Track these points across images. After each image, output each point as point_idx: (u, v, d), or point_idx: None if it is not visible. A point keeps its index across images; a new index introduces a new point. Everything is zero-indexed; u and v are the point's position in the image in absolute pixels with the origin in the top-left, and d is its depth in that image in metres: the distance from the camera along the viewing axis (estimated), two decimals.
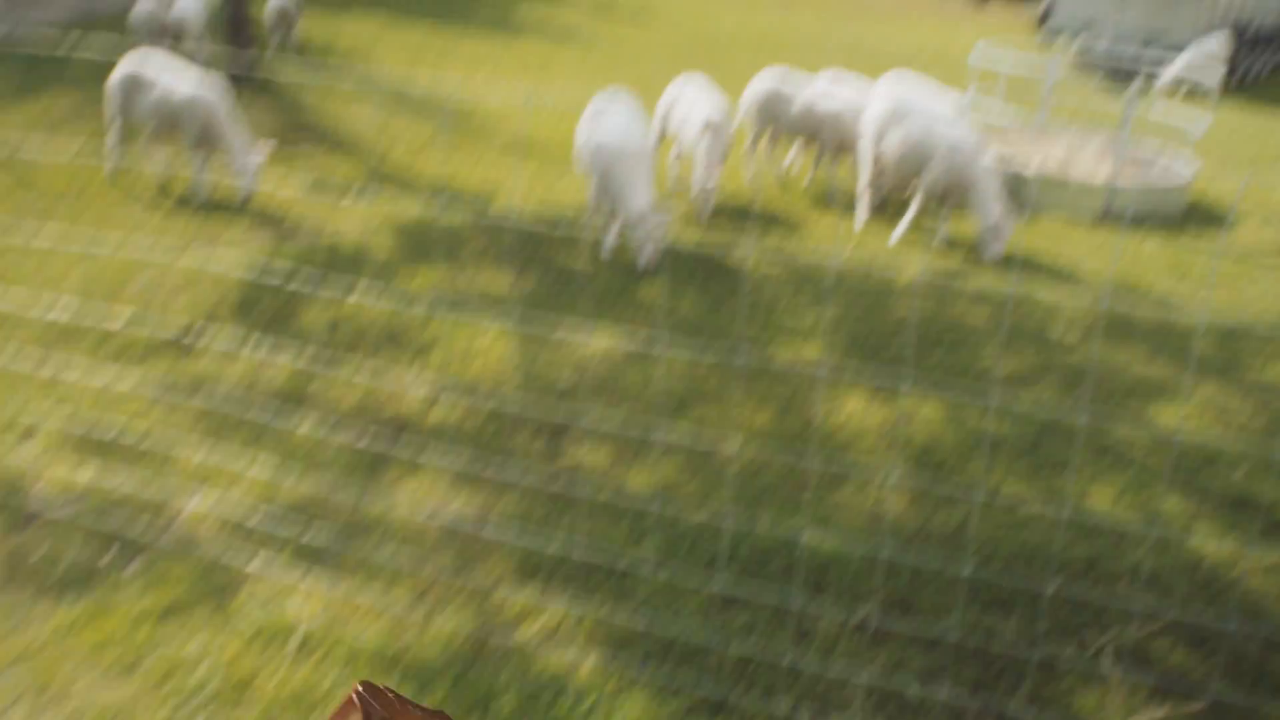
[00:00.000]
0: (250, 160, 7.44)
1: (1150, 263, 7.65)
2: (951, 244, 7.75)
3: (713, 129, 7.50)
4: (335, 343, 5.43)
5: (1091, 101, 12.98)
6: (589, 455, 4.36)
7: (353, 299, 5.89)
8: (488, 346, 5.40)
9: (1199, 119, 10.16)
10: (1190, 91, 16.27)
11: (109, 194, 7.74)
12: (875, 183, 8.12)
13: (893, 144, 7.64)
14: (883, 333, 5.93)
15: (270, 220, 7.37)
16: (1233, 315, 6.68)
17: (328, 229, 7.20)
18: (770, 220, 7.97)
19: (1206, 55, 16.84)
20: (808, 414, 4.88)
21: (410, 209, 7.64)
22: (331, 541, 3.76)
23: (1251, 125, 14.58)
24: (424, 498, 4.11)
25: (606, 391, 4.98)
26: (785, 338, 5.78)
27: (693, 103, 7.81)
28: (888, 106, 7.75)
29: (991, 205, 7.30)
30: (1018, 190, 8.90)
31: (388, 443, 4.38)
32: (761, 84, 8.69)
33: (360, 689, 0.97)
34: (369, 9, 19.08)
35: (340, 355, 5.25)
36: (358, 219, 7.45)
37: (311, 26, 16.37)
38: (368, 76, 12.78)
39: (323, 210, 7.57)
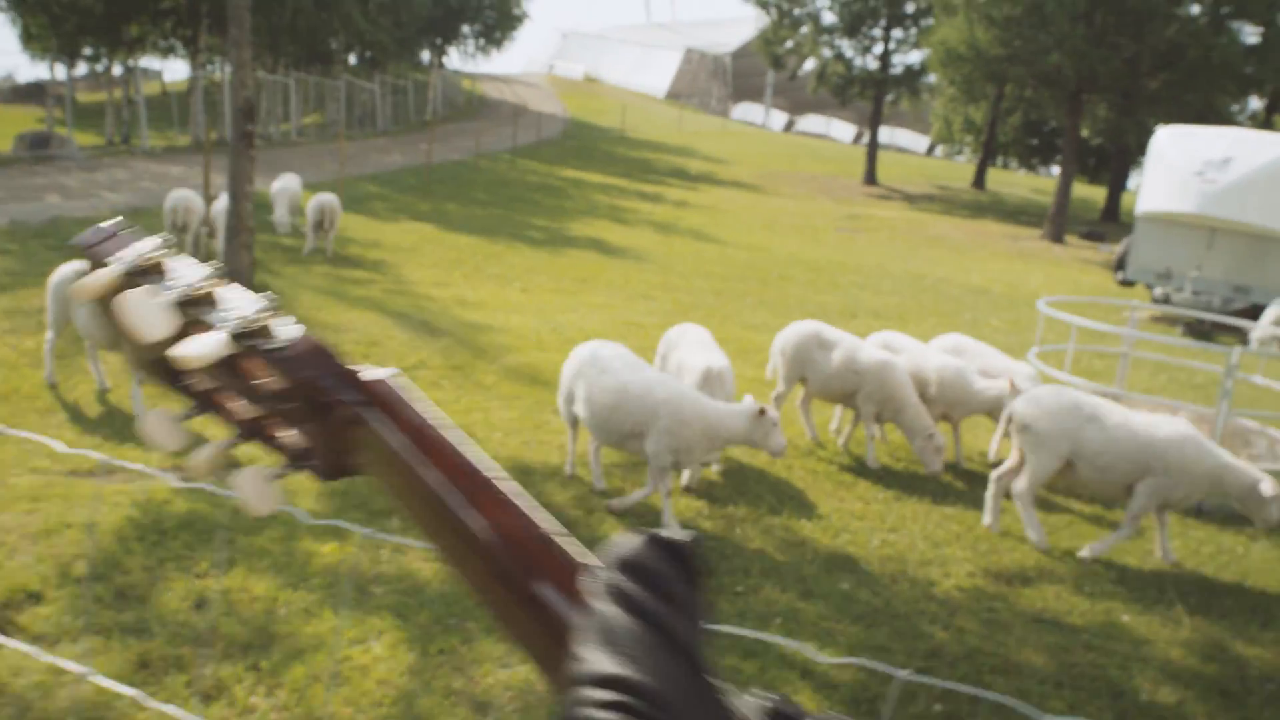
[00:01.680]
0: None
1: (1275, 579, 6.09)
2: (1004, 534, 6.32)
3: (713, 378, 6.36)
4: (183, 636, 4.16)
5: (1173, 363, 11.65)
6: None
7: (230, 576, 4.66)
8: (371, 662, 4.07)
9: None
10: None
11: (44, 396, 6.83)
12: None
13: (1093, 449, 6.00)
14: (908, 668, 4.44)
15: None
16: None
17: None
18: (785, 493, 6.65)
19: None
20: None
21: None
22: None
23: None
24: None
25: None
26: (779, 670, 4.35)
27: (691, 350, 6.73)
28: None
29: (1243, 471, 5.85)
30: None
31: None
32: (796, 331, 7.57)
33: None
34: (420, 217, 18.94)
35: (177, 659, 3.97)
36: None
37: (355, 229, 16.08)
38: (389, 285, 12.09)
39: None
